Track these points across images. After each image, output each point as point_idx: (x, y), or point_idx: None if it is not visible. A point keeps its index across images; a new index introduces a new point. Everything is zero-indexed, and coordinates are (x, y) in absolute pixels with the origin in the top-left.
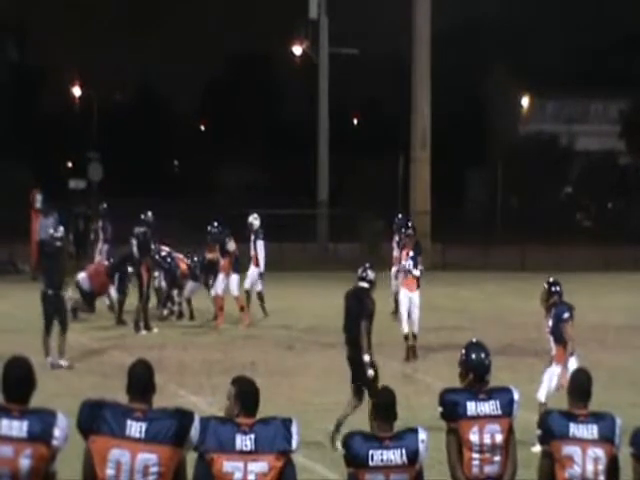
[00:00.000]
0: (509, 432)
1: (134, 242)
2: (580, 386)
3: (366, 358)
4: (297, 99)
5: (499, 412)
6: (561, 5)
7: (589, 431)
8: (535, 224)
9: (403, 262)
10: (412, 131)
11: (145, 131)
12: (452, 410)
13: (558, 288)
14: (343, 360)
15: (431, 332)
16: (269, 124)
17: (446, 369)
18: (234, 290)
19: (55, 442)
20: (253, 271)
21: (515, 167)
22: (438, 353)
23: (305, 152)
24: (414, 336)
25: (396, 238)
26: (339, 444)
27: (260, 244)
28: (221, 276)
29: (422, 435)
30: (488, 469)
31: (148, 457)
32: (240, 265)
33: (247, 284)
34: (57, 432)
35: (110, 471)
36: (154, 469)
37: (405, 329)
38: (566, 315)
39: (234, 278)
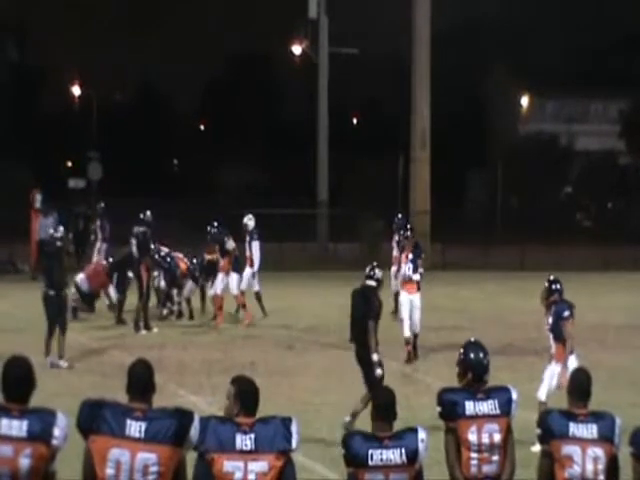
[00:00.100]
0: (507, 432)
1: (134, 242)
2: (580, 386)
3: (375, 357)
4: (297, 99)
5: (497, 412)
6: (561, 5)
7: (589, 431)
8: (535, 224)
9: (403, 265)
10: (412, 131)
11: (145, 131)
12: (450, 410)
13: (558, 286)
14: (343, 360)
15: (431, 332)
16: (269, 124)
17: (446, 369)
18: (234, 289)
19: (55, 442)
20: (247, 272)
21: (515, 167)
22: (438, 353)
23: (305, 152)
24: (416, 335)
25: (396, 238)
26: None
27: (255, 245)
28: (220, 276)
29: (422, 435)
30: (486, 469)
31: (148, 457)
32: (240, 265)
33: (243, 285)
34: (57, 432)
35: (110, 471)
36: (154, 469)
37: (407, 333)
38: (566, 313)
39: (234, 277)
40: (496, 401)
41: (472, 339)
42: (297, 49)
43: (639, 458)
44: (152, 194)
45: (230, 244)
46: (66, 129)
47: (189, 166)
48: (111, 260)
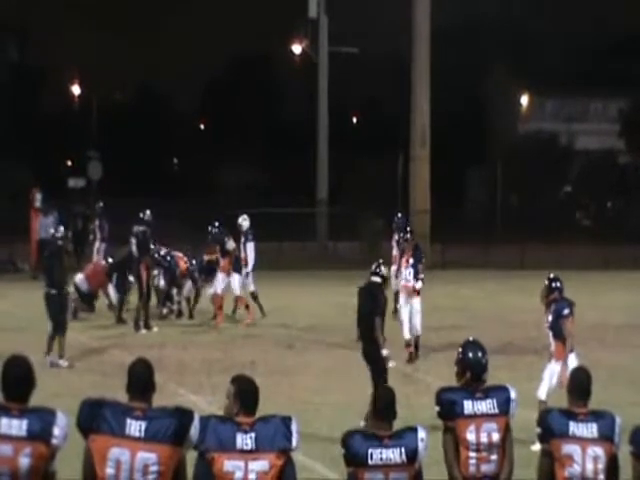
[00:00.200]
0: (506, 431)
1: (133, 241)
2: (580, 385)
3: (384, 352)
4: (297, 98)
5: (496, 411)
6: (561, 5)
7: (589, 430)
8: (535, 223)
9: (403, 270)
10: (412, 128)
11: (145, 130)
12: (449, 409)
13: (559, 284)
14: (343, 359)
15: (431, 331)
16: (269, 124)
17: (446, 369)
18: (236, 289)
19: (55, 441)
20: (243, 272)
21: (515, 166)
22: (438, 353)
23: (305, 151)
24: (417, 337)
25: (395, 237)
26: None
27: (250, 246)
28: (221, 276)
29: (421, 434)
30: (485, 468)
31: (148, 456)
32: (240, 265)
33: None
34: (57, 431)
35: (110, 470)
36: (154, 468)
37: (406, 335)
38: (566, 311)
39: (235, 278)
40: (494, 400)
41: (471, 338)
42: (297, 49)
43: (639, 457)
44: (152, 194)
45: (230, 244)
46: (66, 129)
47: (189, 166)
48: (110, 260)
